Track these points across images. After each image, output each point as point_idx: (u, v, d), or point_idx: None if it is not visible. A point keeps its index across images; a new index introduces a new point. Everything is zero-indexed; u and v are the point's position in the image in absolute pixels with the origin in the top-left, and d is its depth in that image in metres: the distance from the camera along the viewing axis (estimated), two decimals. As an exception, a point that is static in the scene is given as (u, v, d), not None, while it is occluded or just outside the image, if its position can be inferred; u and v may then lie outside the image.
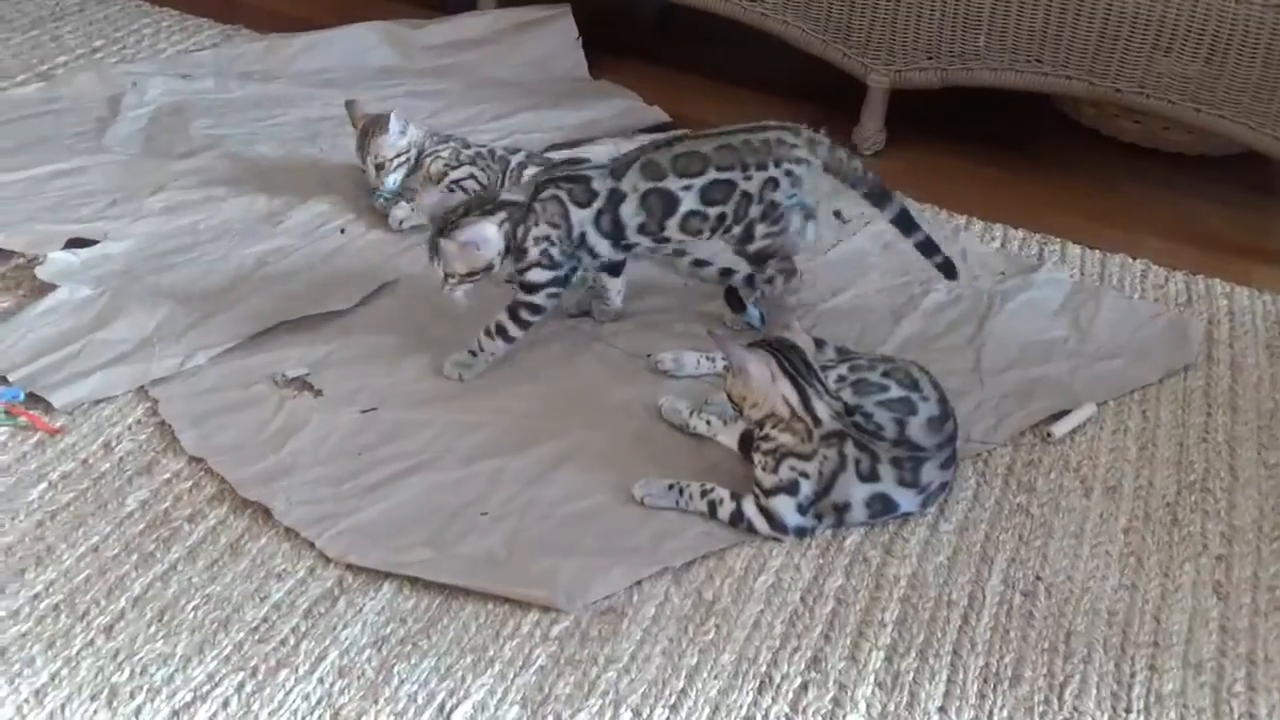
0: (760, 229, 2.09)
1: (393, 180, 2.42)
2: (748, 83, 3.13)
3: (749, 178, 2.06)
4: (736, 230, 2.09)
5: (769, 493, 1.77)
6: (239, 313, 2.12)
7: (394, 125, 2.41)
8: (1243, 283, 2.45)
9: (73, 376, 1.95)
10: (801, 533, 1.78)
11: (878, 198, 2.16)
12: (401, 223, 2.40)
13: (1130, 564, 1.80)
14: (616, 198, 2.03)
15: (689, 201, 2.05)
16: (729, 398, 1.82)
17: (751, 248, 2.12)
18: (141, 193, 2.43)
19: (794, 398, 1.75)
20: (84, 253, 2.23)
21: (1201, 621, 1.72)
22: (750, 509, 1.78)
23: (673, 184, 2.04)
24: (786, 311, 1.85)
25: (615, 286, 2.17)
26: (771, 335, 1.83)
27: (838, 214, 2.54)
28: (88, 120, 2.70)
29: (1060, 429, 2.02)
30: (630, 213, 2.04)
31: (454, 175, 2.41)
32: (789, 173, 2.08)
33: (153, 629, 1.58)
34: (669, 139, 2.11)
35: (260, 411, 1.94)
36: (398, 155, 2.41)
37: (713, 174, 2.04)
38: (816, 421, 1.75)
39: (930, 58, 2.76)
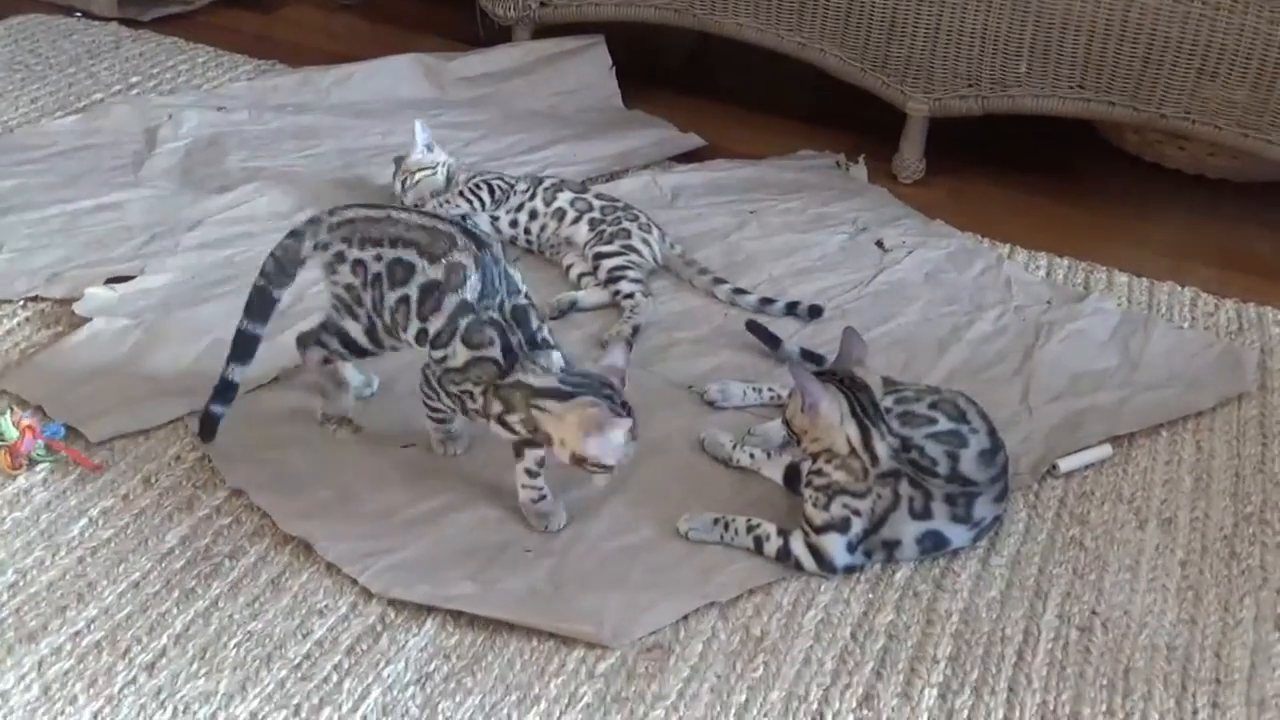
0: None
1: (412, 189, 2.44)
2: (784, 111, 3.12)
3: None
4: None
5: (819, 529, 1.73)
6: (277, 346, 2.10)
7: (420, 135, 2.43)
8: (1295, 310, 2.41)
9: (108, 409, 1.94)
10: (850, 571, 1.75)
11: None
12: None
13: (1188, 598, 1.76)
14: None
15: None
16: (786, 425, 1.79)
17: None
18: (179, 228, 2.42)
19: (857, 438, 1.72)
20: (121, 287, 2.22)
21: (1264, 657, 1.67)
22: (798, 545, 1.74)
23: None
24: (860, 345, 1.80)
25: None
26: (843, 369, 1.79)
27: (879, 243, 2.52)
28: (124, 154, 2.70)
29: (1067, 464, 1.96)
30: None
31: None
32: None
33: (195, 666, 1.56)
34: None
35: (301, 446, 1.92)
36: (420, 170, 2.44)
37: None
38: (875, 461, 1.71)
39: (971, 85, 2.73)
